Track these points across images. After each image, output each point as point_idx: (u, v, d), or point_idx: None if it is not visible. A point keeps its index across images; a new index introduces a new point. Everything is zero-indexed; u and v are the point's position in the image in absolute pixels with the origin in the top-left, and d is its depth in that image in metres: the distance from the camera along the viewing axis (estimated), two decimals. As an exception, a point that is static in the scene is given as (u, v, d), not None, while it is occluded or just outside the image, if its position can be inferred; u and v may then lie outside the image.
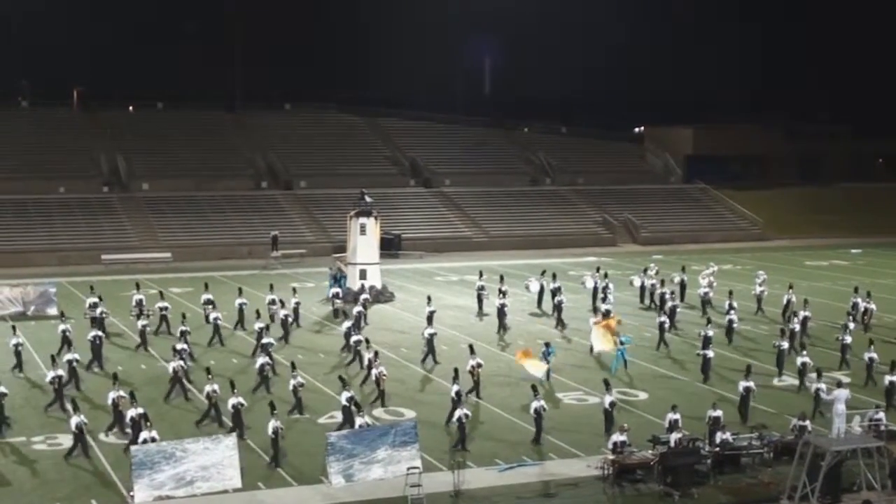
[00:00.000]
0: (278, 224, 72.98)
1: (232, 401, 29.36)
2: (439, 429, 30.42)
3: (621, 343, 38.19)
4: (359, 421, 27.85)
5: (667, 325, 42.06)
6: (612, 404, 29.70)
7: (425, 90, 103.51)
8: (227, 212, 76.12)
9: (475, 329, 45.09)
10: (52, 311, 47.17)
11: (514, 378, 36.24)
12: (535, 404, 29.30)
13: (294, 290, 46.95)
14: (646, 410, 32.30)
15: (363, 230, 52.45)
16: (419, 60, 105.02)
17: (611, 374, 36.05)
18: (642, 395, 34.38)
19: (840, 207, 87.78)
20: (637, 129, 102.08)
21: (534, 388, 30.46)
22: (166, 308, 43.88)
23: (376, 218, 53.28)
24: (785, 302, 46.52)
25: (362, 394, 33.55)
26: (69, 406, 29.45)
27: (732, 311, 42.95)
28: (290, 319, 43.10)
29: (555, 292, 47.68)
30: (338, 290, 49.31)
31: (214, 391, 30.61)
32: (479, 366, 33.98)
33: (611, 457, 26.59)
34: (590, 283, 50.43)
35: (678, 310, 45.74)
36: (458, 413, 28.82)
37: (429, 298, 44.24)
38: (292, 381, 31.86)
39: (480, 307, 48.74)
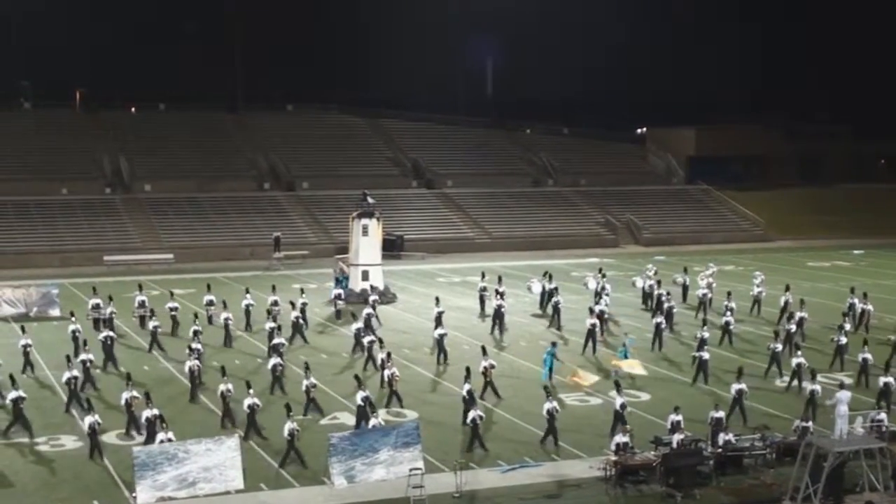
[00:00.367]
0: (280, 225, 73.02)
1: (247, 401, 29.42)
2: (442, 430, 30.44)
3: (623, 345, 38.22)
4: (372, 422, 27.84)
5: (663, 326, 41.90)
6: (624, 406, 29.58)
7: (426, 91, 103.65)
8: (230, 213, 76.12)
9: (477, 330, 45.03)
10: (55, 312, 47.29)
11: (515, 379, 36.25)
12: (547, 405, 29.21)
13: (302, 290, 46.86)
14: (648, 411, 32.31)
15: (365, 231, 52.49)
16: (420, 61, 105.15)
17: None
18: (644, 397, 34.38)
19: (841, 208, 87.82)
20: (639, 130, 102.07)
21: (546, 389, 30.60)
22: (176, 308, 43.86)
23: (378, 219, 53.29)
24: (782, 303, 46.35)
25: (380, 394, 33.56)
26: (77, 408, 29.31)
27: (729, 313, 42.84)
28: (300, 321, 42.49)
29: (552, 293, 47.52)
30: (340, 291, 49.34)
31: (229, 391, 30.62)
32: (492, 367, 34.03)
33: (613, 458, 26.60)
34: (592, 285, 50.33)
35: (674, 311, 45.43)
36: (472, 414, 28.93)
37: (437, 300, 43.57)
38: (305, 382, 31.83)
39: (483, 308, 48.69)
